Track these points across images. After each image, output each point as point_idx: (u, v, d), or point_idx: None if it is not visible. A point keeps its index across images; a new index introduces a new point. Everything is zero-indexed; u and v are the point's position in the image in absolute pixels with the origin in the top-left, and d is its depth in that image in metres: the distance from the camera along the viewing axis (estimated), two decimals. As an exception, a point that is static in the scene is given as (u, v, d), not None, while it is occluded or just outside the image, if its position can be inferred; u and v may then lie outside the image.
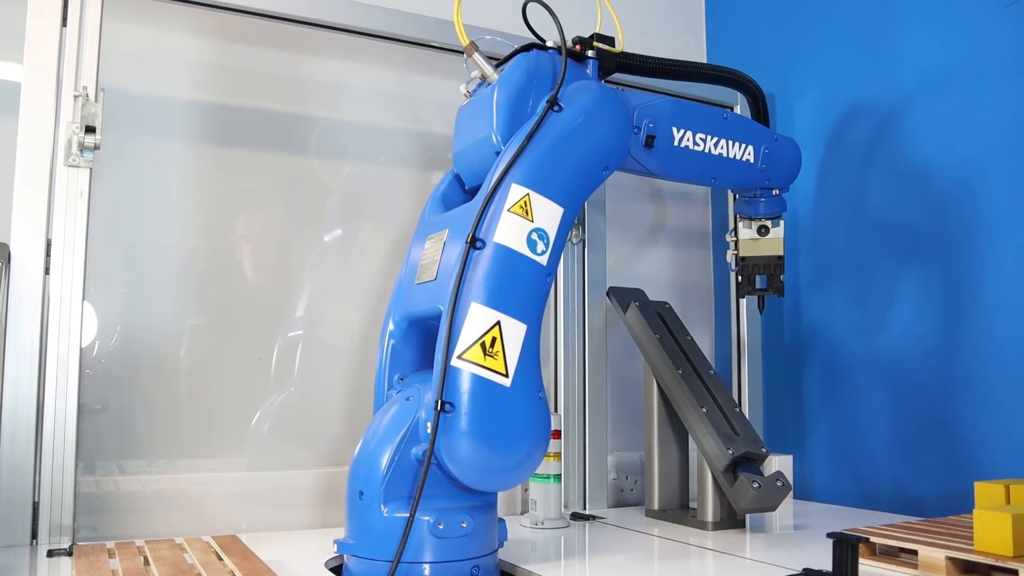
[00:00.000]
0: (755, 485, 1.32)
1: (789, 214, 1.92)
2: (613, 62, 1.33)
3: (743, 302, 1.86)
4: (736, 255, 1.56)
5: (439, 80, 1.68)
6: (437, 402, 1.02)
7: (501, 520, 1.12)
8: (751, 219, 1.53)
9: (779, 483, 1.35)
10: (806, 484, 1.81)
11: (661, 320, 1.57)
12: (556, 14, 1.24)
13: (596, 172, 1.20)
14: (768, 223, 1.52)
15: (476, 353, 1.04)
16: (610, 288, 1.66)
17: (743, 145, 1.42)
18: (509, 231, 1.09)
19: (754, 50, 1.99)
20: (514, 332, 1.06)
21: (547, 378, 1.69)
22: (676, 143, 1.33)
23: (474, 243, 1.08)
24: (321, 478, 1.51)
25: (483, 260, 1.07)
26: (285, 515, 1.47)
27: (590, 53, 1.31)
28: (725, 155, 1.40)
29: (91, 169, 1.29)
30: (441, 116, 1.67)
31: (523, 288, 1.08)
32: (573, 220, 1.17)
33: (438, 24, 1.54)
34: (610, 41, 1.34)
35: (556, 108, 1.17)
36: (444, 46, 1.56)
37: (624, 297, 1.63)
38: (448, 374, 1.03)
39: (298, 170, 1.58)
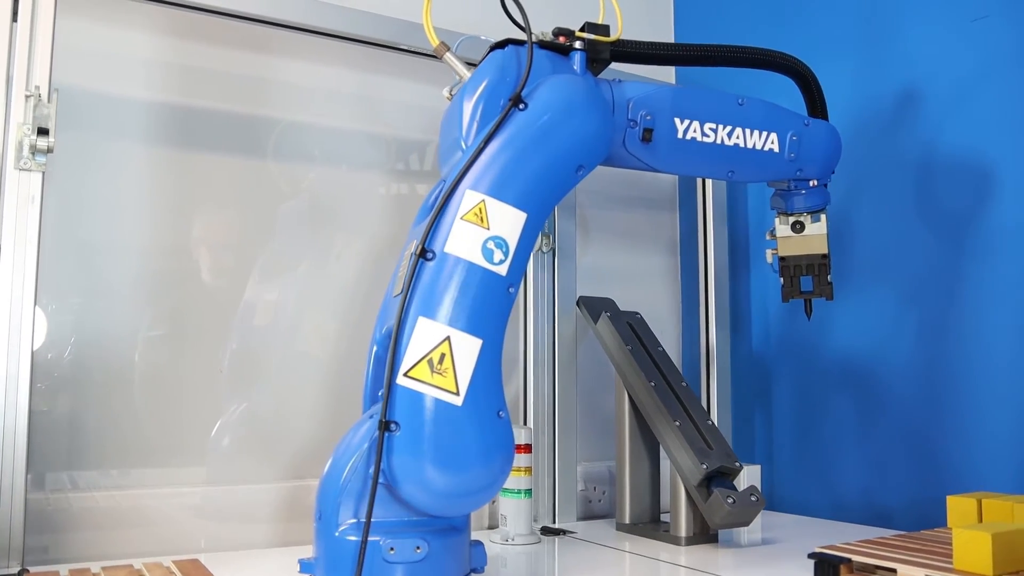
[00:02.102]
0: (730, 500, 1.30)
1: (758, 217, 1.91)
2: (607, 52, 1.23)
3: (711, 311, 1.84)
4: (775, 255, 1.45)
5: (414, 84, 1.64)
6: (381, 421, 0.98)
7: (478, 543, 1.08)
8: (787, 215, 1.42)
9: (753, 498, 1.33)
10: (773, 494, 1.80)
11: (632, 331, 1.55)
12: (521, 3, 1.17)
13: (567, 173, 1.13)
14: (805, 218, 1.41)
15: (423, 370, 0.99)
16: (580, 298, 1.64)
17: (764, 133, 1.30)
18: (462, 240, 1.03)
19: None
20: (466, 348, 1.01)
21: (516, 389, 1.66)
22: (680, 135, 1.24)
23: (424, 253, 1.03)
24: (283, 492, 1.46)
25: (433, 272, 1.02)
26: (247, 532, 1.42)
27: (578, 44, 1.21)
28: (742, 145, 1.29)
29: (43, 173, 1.23)
30: (414, 121, 1.64)
31: (477, 300, 1.02)
32: (540, 225, 1.11)
33: (410, 26, 1.50)
34: (604, 30, 1.24)
35: (521, 106, 1.11)
36: (414, 49, 1.52)
37: (594, 307, 1.60)
38: (395, 392, 0.99)
39: (260, 174, 1.53)
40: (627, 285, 1.85)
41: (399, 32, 1.52)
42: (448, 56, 1.21)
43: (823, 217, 1.41)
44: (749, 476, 1.60)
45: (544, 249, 1.65)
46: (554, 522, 1.60)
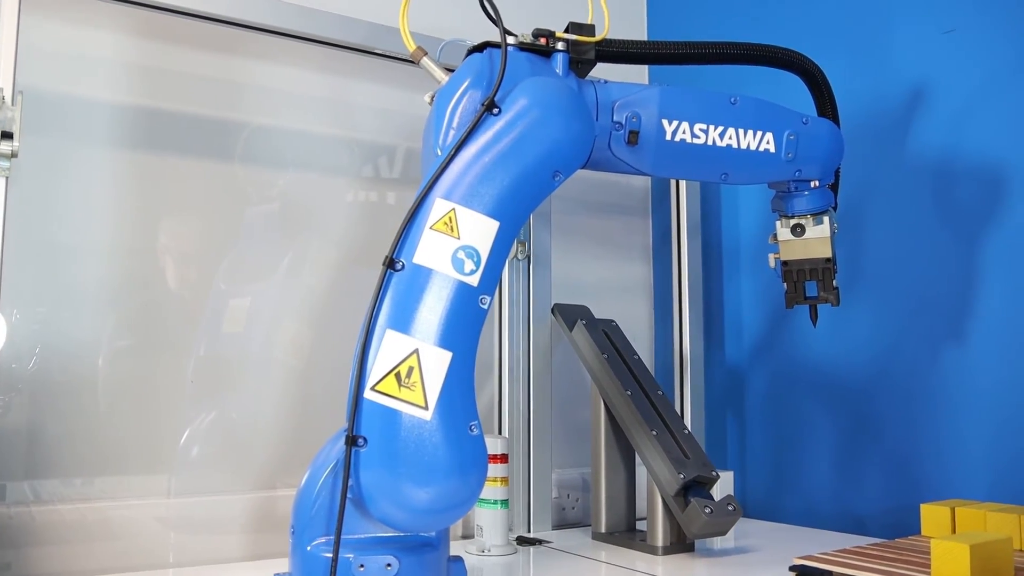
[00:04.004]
0: (707, 510, 1.30)
1: (731, 224, 1.92)
2: (592, 52, 1.18)
3: (685, 318, 1.84)
4: (778, 259, 1.39)
5: (389, 89, 1.62)
6: (347, 436, 0.97)
7: (458, 559, 1.06)
8: (788, 217, 1.35)
9: (730, 507, 1.33)
10: (745, 500, 1.80)
11: (608, 339, 1.55)
12: (496, 4, 1.13)
13: (542, 180, 1.09)
14: (805, 221, 1.34)
15: (390, 384, 0.97)
16: (555, 305, 1.62)
17: (759, 133, 1.24)
18: (431, 250, 1.01)
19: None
20: (435, 361, 0.99)
21: (490, 398, 1.65)
22: (669, 137, 1.19)
23: (392, 264, 1.01)
24: (255, 503, 1.43)
25: (401, 282, 1.00)
26: (217, 544, 1.39)
27: (560, 45, 1.17)
28: (735, 146, 1.23)
29: (7, 178, 1.19)
30: (389, 125, 1.62)
31: (447, 312, 1.00)
32: (514, 234, 1.08)
33: (386, 30, 1.47)
34: (589, 30, 1.19)
35: (494, 111, 1.08)
36: (390, 54, 1.50)
37: (569, 315, 1.59)
38: (363, 407, 0.97)
39: (229, 179, 1.50)
40: (599, 291, 1.85)
41: (374, 36, 1.49)
42: (425, 61, 1.17)
43: (826, 219, 1.34)
44: (722, 482, 1.61)
45: (519, 256, 1.64)
46: (529, 531, 1.59)
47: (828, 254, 1.35)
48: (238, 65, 1.52)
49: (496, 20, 1.14)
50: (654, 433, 1.39)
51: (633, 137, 1.17)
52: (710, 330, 1.90)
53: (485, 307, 1.03)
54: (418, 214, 1.04)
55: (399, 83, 1.62)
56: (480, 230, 1.04)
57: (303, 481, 1.05)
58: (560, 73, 1.17)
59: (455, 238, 1.02)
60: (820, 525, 1.63)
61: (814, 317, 1.41)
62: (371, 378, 0.98)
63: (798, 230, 1.34)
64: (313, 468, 1.05)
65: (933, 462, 1.50)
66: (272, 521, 1.43)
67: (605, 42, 1.20)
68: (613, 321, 1.61)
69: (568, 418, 1.74)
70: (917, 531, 1.36)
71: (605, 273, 1.91)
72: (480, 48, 1.16)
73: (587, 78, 1.21)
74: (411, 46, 1.16)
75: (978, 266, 1.46)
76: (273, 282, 1.52)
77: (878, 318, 1.60)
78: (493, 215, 1.04)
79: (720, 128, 1.22)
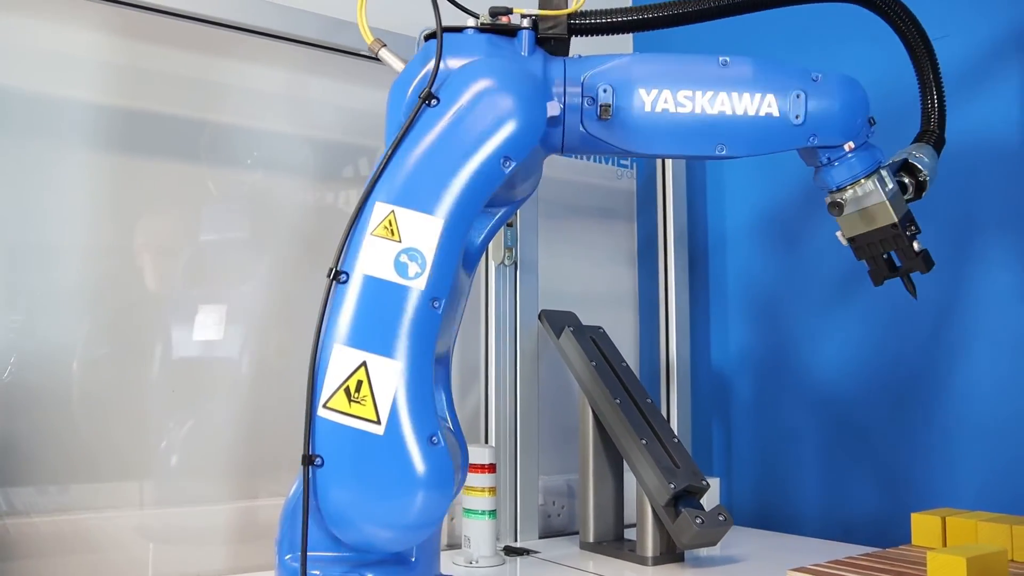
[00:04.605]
0: (698, 520, 1.29)
1: (718, 228, 1.90)
2: (562, 27, 1.09)
3: (671, 321, 1.83)
4: (843, 237, 1.23)
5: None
6: (303, 456, 0.95)
7: (445, 579, 1.05)
8: (831, 192, 1.18)
9: (721, 517, 1.32)
10: (731, 507, 1.79)
11: (596, 346, 1.53)
12: None
13: (489, 169, 1.00)
14: (853, 190, 1.16)
15: (340, 400, 0.95)
16: (542, 311, 1.60)
17: (759, 95, 1.09)
18: (373, 257, 0.97)
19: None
20: (385, 372, 0.95)
21: (476, 405, 1.62)
22: (649, 108, 1.08)
23: (336, 276, 0.98)
24: (236, 513, 1.40)
25: (345, 294, 0.98)
26: (198, 556, 1.36)
27: (525, 23, 1.08)
28: (729, 113, 1.09)
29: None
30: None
31: (394, 320, 0.96)
32: (464, 230, 1.01)
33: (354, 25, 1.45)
34: (560, 3, 1.10)
35: (432, 102, 1.01)
36: (356, 52, 1.47)
37: (557, 321, 1.57)
38: (317, 425, 0.95)
39: (200, 181, 1.46)
40: (584, 297, 1.83)
41: (341, 31, 1.46)
42: (383, 52, 1.12)
43: (872, 181, 1.15)
44: (709, 490, 1.60)
45: (506, 262, 1.62)
46: (515, 540, 1.57)
47: (892, 219, 1.16)
48: (214, 64, 1.48)
49: (478, 13, 1.08)
50: (643, 442, 1.38)
51: (605, 111, 1.07)
52: (696, 336, 1.89)
53: (438, 310, 0.98)
54: (359, 221, 1.00)
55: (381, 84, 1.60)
56: (422, 230, 0.99)
57: (290, 492, 1.03)
58: (525, 52, 1.08)
59: (396, 241, 0.98)
60: (806, 532, 1.63)
61: (910, 289, 1.24)
62: (322, 395, 0.96)
63: (835, 209, 1.17)
64: (298, 480, 1.03)
65: (921, 470, 1.50)
66: (254, 531, 1.40)
67: (578, 14, 1.10)
68: (600, 328, 1.59)
69: (553, 425, 1.71)
70: (905, 539, 1.35)
71: (591, 279, 1.89)
72: (435, 35, 1.08)
73: (566, 55, 1.12)
74: (368, 38, 1.11)
75: (967, 272, 1.46)
76: (254, 285, 1.49)
77: (866, 324, 1.59)
78: (434, 212, 0.99)
79: (709, 93, 1.09)
